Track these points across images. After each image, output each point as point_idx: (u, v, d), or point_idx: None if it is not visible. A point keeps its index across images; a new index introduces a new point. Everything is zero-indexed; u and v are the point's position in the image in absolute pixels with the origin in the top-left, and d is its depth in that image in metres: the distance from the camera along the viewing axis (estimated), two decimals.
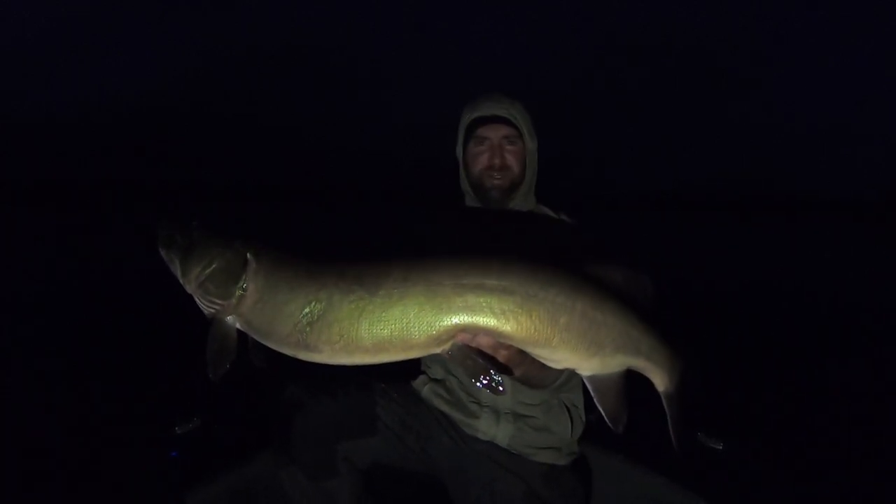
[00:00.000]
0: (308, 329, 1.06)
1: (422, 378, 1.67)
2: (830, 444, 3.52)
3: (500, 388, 1.08)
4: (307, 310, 1.06)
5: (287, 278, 1.10)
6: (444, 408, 1.59)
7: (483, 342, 1.07)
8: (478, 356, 1.08)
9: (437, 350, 1.08)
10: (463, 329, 1.05)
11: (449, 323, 1.05)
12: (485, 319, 1.05)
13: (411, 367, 1.74)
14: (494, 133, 1.54)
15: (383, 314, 1.04)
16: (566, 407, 1.57)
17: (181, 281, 1.15)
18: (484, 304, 1.04)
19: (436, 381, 1.63)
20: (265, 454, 1.63)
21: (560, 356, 1.10)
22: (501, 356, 1.12)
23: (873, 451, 3.44)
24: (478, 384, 1.08)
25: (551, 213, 1.63)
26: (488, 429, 1.53)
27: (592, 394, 1.16)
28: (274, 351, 1.13)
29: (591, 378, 1.15)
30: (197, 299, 1.14)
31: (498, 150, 1.54)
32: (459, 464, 1.54)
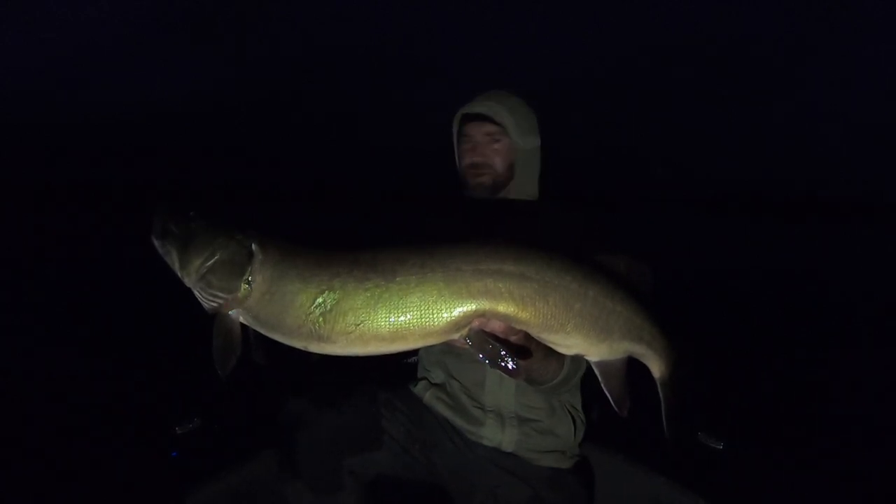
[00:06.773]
0: (321, 320, 1.03)
1: (423, 383, 1.65)
2: (831, 444, 3.51)
3: (518, 371, 1.08)
4: (320, 300, 1.03)
5: (297, 268, 1.06)
6: (447, 413, 1.58)
7: (496, 327, 1.08)
8: (494, 340, 1.08)
9: (455, 336, 1.07)
10: (482, 314, 1.05)
11: (468, 308, 1.04)
12: (504, 305, 1.05)
13: (411, 372, 1.74)
14: (477, 131, 1.55)
15: (401, 301, 1.03)
16: (567, 410, 1.56)
17: (179, 274, 1.10)
18: (503, 290, 1.04)
19: (437, 385, 1.62)
20: (265, 454, 1.63)
21: (572, 341, 1.12)
22: (513, 341, 1.12)
23: (874, 451, 3.45)
24: (496, 367, 1.08)
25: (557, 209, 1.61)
26: (493, 435, 1.52)
27: (600, 378, 1.19)
28: (275, 346, 1.10)
29: (598, 363, 1.18)
30: (197, 293, 1.09)
31: (479, 149, 1.56)
32: (463, 470, 1.52)
